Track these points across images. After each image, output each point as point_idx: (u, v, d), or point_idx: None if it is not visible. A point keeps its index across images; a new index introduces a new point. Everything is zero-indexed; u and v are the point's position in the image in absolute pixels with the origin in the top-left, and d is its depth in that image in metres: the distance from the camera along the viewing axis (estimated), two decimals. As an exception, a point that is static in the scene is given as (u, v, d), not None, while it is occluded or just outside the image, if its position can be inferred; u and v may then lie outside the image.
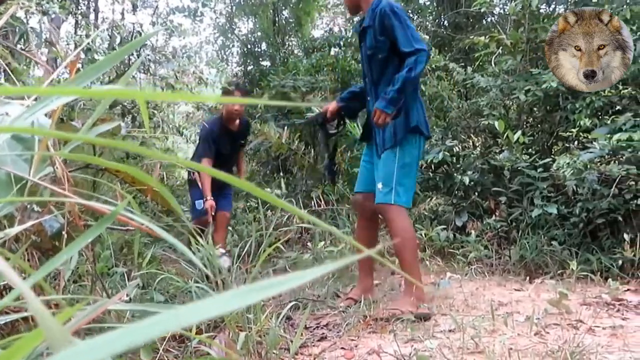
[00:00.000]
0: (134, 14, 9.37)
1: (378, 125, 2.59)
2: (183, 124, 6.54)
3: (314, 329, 2.35)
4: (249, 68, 9.29)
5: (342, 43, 8.37)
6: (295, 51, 9.16)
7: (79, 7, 8.59)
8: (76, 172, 2.02)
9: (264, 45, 9.43)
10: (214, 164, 3.91)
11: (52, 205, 1.19)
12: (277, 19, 9.64)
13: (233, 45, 10.02)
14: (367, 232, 2.94)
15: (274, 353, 1.69)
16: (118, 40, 6.70)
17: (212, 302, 0.28)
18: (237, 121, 4.18)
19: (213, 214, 3.87)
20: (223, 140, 4.10)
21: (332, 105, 3.03)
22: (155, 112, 4.14)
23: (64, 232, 1.19)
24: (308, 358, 1.97)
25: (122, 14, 9.48)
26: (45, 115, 1.05)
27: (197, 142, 4.40)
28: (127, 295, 2.15)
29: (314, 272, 0.29)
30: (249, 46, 9.46)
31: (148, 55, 4.71)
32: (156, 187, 0.85)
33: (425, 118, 2.74)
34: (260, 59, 9.34)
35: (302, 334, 1.76)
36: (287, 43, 9.09)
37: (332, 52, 8.46)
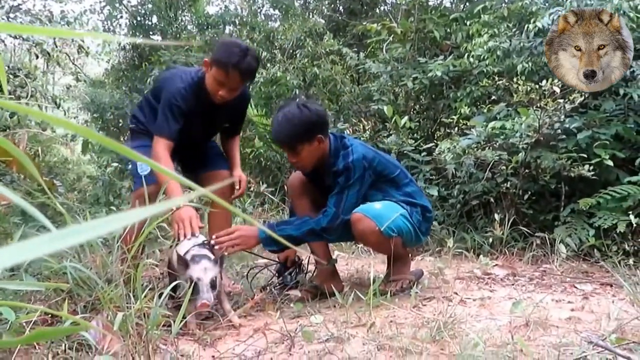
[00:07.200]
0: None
1: None
2: (62, 96, 6.05)
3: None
4: (139, 41, 8.80)
5: (237, 21, 8.21)
6: (189, 27, 8.82)
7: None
8: None
9: (154, 19, 8.98)
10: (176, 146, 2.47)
11: None
12: (170, -9, 9.21)
13: (121, 17, 9.43)
14: None
15: (155, 333, 1.63)
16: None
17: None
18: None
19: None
20: (196, 115, 2.48)
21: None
22: (28, 80, 3.71)
23: None
24: (192, 337, 1.93)
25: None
26: None
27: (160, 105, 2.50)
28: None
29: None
30: (138, 18, 8.95)
31: (20, 18, 4.27)
32: (17, 156, 0.77)
33: None
34: (151, 33, 8.89)
35: (185, 313, 1.71)
36: (179, 18, 8.72)
37: (227, 30, 8.28)
